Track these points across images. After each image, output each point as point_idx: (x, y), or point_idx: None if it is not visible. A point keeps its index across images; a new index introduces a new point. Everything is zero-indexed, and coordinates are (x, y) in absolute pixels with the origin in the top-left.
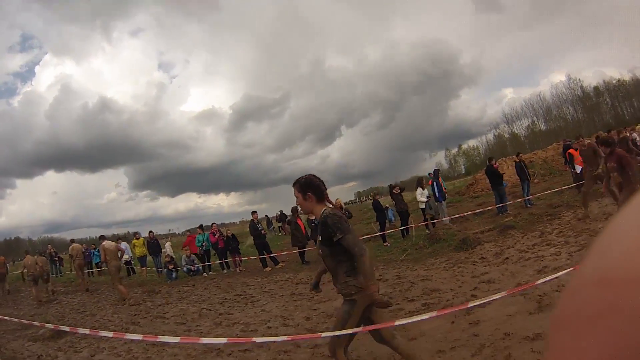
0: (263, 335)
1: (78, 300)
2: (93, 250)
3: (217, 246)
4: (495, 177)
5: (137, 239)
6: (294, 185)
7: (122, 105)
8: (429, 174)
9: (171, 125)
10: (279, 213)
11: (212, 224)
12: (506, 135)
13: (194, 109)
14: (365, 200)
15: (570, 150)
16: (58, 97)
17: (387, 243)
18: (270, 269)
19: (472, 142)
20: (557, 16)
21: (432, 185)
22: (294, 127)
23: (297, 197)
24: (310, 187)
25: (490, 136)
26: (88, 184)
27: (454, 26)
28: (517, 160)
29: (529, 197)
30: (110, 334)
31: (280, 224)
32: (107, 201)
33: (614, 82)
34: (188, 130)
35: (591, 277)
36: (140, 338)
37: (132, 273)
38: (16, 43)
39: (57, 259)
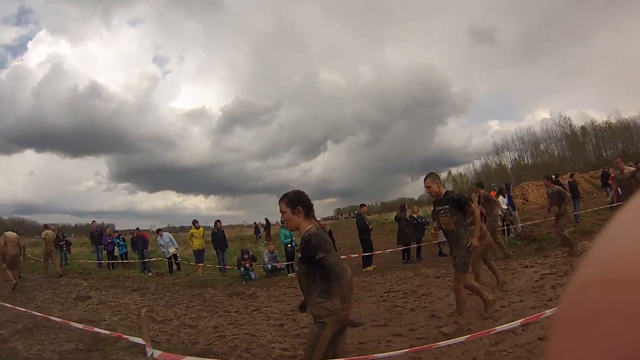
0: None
1: None
2: (116, 238)
3: None
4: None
5: (197, 228)
6: (282, 199)
7: (112, 93)
8: (493, 185)
9: (159, 120)
10: (265, 220)
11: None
12: (493, 166)
13: (183, 106)
14: (347, 217)
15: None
16: (48, 75)
17: (370, 267)
18: (372, 268)
19: (456, 170)
20: (546, 57)
21: (506, 196)
22: (280, 137)
23: (284, 212)
24: (300, 201)
25: (478, 164)
26: (67, 168)
27: (448, 55)
28: (571, 180)
29: (576, 213)
30: None
31: (265, 232)
32: (85, 189)
33: (601, 124)
34: (175, 128)
35: (591, 278)
36: None
37: (177, 269)
38: (12, 15)
39: (64, 242)
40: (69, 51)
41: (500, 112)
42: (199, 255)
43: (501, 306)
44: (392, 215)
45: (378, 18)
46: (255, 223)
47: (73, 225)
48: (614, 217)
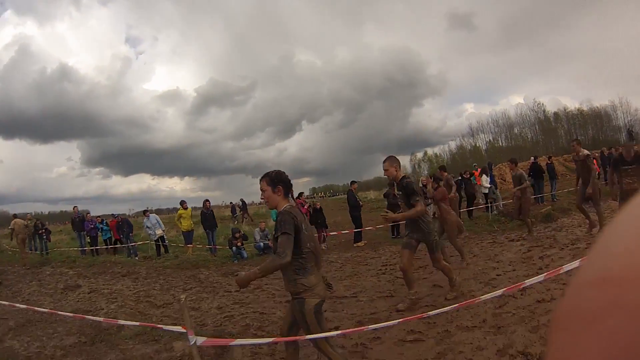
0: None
1: None
2: (99, 223)
3: None
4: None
5: (185, 208)
6: (263, 178)
7: (82, 75)
8: (475, 165)
9: (132, 102)
10: (241, 201)
11: (300, 193)
12: (468, 147)
13: (157, 88)
14: (323, 196)
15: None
16: (14, 58)
17: (360, 243)
18: (363, 243)
19: (431, 150)
20: (522, 44)
21: (489, 175)
22: (255, 117)
23: (264, 190)
24: (281, 180)
25: (453, 146)
26: (38, 155)
27: (426, 38)
28: (548, 162)
29: (553, 193)
30: None
31: (242, 212)
32: (57, 175)
33: (573, 110)
34: (149, 110)
35: (592, 276)
36: None
37: (164, 251)
38: None
39: (43, 231)
40: (37, 32)
41: (475, 96)
42: (188, 236)
43: (497, 275)
44: (368, 195)
45: None
46: (231, 203)
47: (46, 213)
48: (615, 217)
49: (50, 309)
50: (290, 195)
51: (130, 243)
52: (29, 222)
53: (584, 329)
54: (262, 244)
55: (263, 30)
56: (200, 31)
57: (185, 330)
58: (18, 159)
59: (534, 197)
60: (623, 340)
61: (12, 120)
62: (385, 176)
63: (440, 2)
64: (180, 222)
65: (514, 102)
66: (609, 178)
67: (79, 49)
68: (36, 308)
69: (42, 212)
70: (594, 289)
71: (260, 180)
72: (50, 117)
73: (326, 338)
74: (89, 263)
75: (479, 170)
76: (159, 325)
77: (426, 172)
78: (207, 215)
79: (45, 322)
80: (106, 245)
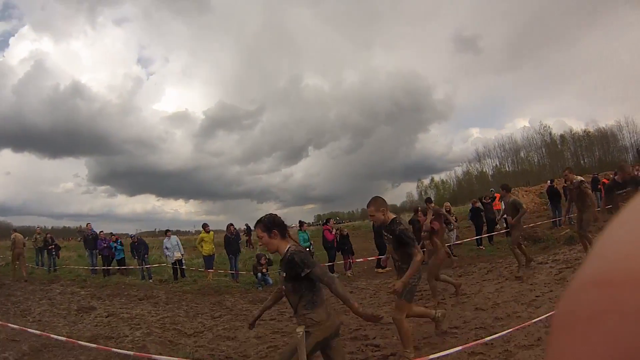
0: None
1: None
2: (114, 242)
3: (330, 245)
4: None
5: (207, 232)
6: (257, 225)
7: (95, 93)
8: (492, 190)
9: (142, 122)
10: (246, 226)
11: (328, 219)
12: (475, 173)
13: (167, 109)
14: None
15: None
16: (29, 72)
17: (381, 270)
18: (385, 270)
19: (437, 177)
20: (526, 64)
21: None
22: (262, 142)
23: (261, 237)
24: (274, 224)
25: (459, 171)
26: (46, 169)
27: (433, 62)
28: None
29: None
30: None
31: (247, 238)
32: (63, 191)
33: (579, 132)
34: (158, 130)
35: (591, 278)
36: None
37: (181, 275)
38: None
39: (53, 246)
40: (52, 49)
41: (481, 120)
42: (208, 260)
43: (536, 296)
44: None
45: (364, 22)
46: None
47: (50, 227)
48: (613, 219)
49: (66, 333)
50: (287, 235)
51: (146, 265)
52: (38, 236)
53: (583, 330)
54: None
55: (272, 53)
56: (211, 53)
57: None
58: (26, 172)
59: (552, 221)
60: (622, 341)
61: (23, 133)
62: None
63: (447, 25)
64: (202, 246)
65: (519, 125)
66: (602, 205)
67: (92, 67)
68: (54, 335)
69: (45, 227)
70: (593, 291)
71: (255, 227)
72: (61, 133)
73: None
74: (101, 284)
75: (499, 195)
76: None
77: (433, 198)
78: (230, 240)
79: (63, 349)
80: (118, 266)
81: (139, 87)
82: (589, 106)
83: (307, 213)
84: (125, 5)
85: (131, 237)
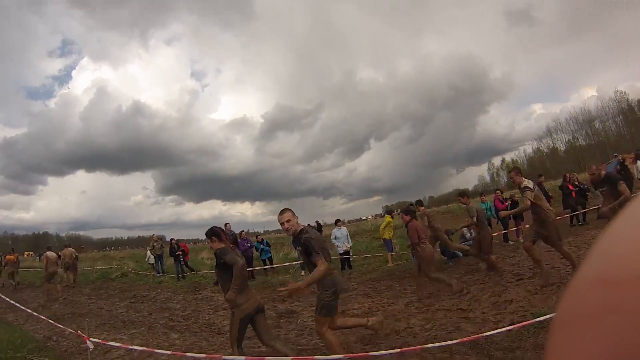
0: None
1: None
2: (259, 243)
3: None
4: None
5: (392, 217)
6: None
7: (154, 110)
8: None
9: (201, 132)
10: (316, 223)
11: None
12: (545, 150)
13: (224, 117)
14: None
15: None
16: (93, 99)
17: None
18: None
19: (503, 158)
20: (588, 31)
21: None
22: (323, 139)
23: (211, 245)
24: (213, 233)
25: (529, 149)
26: (116, 185)
27: (486, 41)
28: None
29: None
30: None
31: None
32: (133, 203)
33: None
34: (218, 138)
35: (592, 278)
36: None
37: (347, 267)
38: (57, 48)
39: (180, 253)
40: (111, 75)
41: (543, 95)
42: (389, 244)
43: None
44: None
45: (410, 9)
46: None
47: (125, 238)
48: (615, 218)
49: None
50: (224, 239)
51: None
52: (155, 243)
53: (584, 329)
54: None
55: (322, 50)
56: (262, 58)
57: None
58: (99, 189)
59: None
60: (623, 341)
61: (93, 154)
62: (285, 230)
63: (496, 1)
64: (385, 231)
65: (586, 95)
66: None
67: (149, 86)
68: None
69: (121, 238)
70: (594, 290)
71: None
72: (127, 150)
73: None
74: (262, 285)
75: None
76: None
77: (505, 180)
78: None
79: None
80: (265, 265)
81: (195, 99)
82: None
83: (374, 205)
84: (172, 25)
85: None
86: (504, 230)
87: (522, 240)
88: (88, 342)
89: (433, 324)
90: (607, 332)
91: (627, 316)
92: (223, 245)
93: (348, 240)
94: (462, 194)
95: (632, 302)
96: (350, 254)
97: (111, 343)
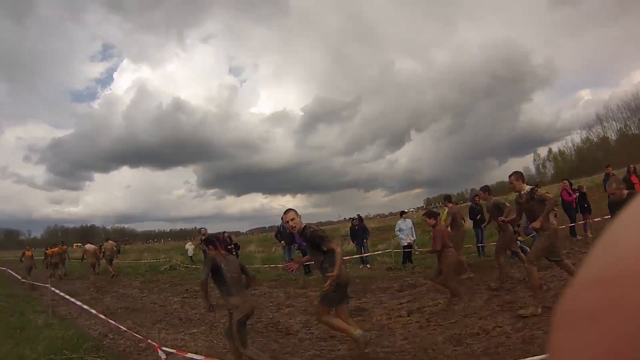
0: None
1: None
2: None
3: (568, 206)
4: None
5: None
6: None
7: (194, 106)
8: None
9: (242, 126)
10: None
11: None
12: (595, 140)
13: (264, 111)
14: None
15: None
16: (134, 99)
17: None
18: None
19: (549, 148)
20: (638, 9)
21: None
22: (364, 131)
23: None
24: (209, 242)
25: (577, 139)
26: (159, 180)
27: (525, 24)
28: None
29: None
30: None
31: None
32: (176, 197)
33: None
34: (258, 132)
35: (592, 276)
36: None
37: (409, 261)
38: (98, 52)
39: (232, 246)
40: (151, 74)
41: (590, 80)
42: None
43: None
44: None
45: None
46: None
47: (168, 230)
48: (615, 219)
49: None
50: (218, 248)
51: (365, 251)
52: (202, 237)
53: (585, 328)
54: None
55: (360, 42)
56: (299, 51)
57: None
58: (143, 184)
59: None
60: (623, 339)
61: (137, 151)
62: (291, 228)
63: None
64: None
65: (637, 79)
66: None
67: (188, 83)
68: None
69: (164, 230)
70: (595, 289)
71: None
72: (169, 146)
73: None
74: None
75: None
76: None
77: (552, 171)
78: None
79: None
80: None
81: (235, 94)
82: None
83: (415, 198)
84: (208, 24)
85: (352, 220)
86: (571, 223)
87: (590, 235)
88: (159, 351)
89: (525, 323)
90: (607, 330)
91: (627, 315)
92: (216, 253)
93: (412, 233)
94: (448, 197)
95: (631, 302)
96: (415, 248)
97: (189, 355)
